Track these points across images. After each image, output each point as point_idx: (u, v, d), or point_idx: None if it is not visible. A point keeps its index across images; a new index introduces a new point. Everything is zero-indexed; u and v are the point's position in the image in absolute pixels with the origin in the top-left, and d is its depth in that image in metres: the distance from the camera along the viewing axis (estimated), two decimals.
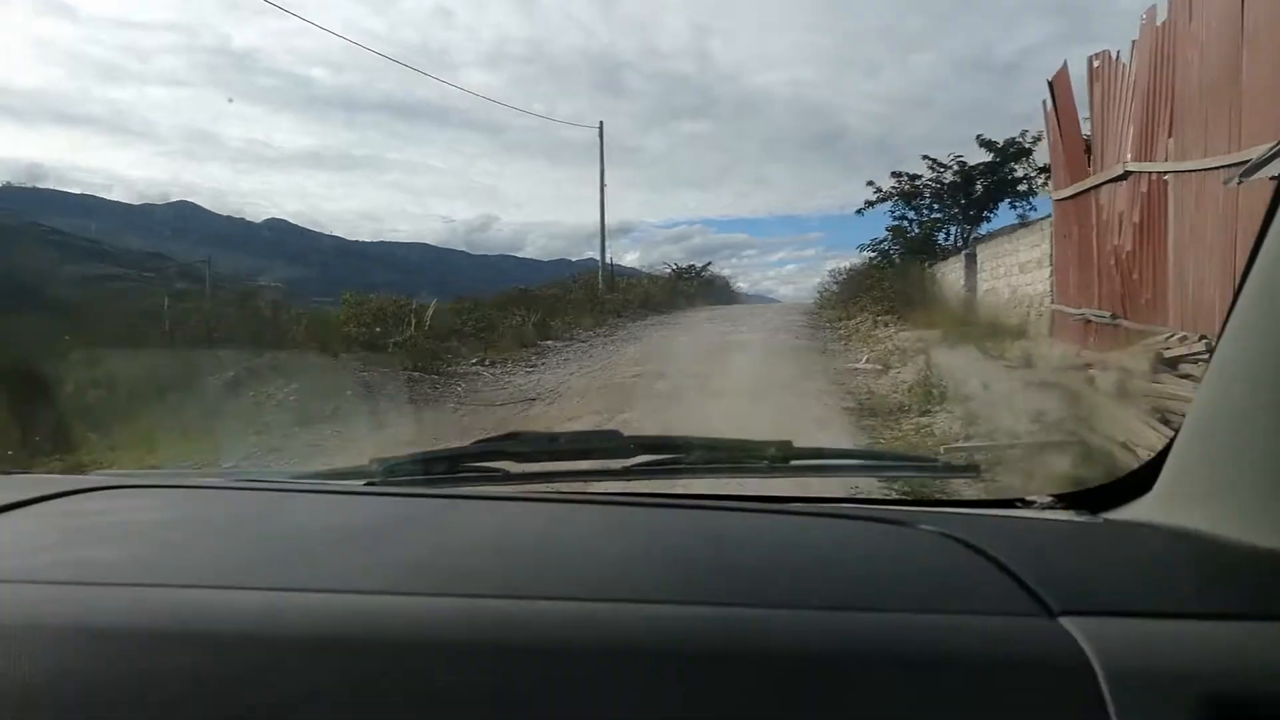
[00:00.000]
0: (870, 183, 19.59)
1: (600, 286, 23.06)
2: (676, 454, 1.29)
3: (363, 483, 1.21)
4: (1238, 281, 0.73)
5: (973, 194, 18.14)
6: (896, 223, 19.44)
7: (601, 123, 22.94)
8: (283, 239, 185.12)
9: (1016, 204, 17.78)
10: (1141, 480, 0.88)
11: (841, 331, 15.64)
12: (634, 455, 1.28)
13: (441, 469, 1.27)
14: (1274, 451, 0.68)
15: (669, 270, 31.27)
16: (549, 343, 15.16)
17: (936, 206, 19.17)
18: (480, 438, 1.43)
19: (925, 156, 19.01)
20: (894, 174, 19.36)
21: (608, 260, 24.64)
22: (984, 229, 18.61)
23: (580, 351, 14.20)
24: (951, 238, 18.72)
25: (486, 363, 12.70)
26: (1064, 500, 1.01)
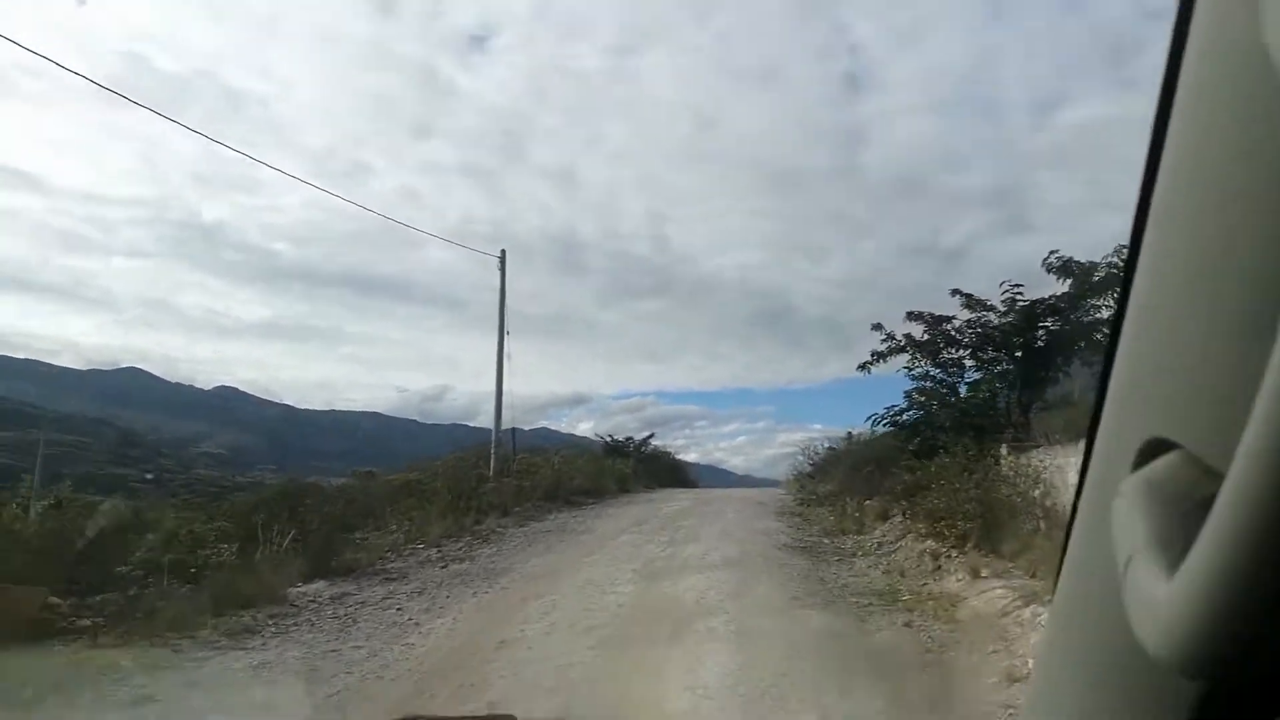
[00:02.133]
0: (878, 326, 13.11)
1: (494, 465, 15.82)
2: None
3: None
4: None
5: (1034, 343, 11.70)
6: (921, 384, 12.68)
7: (504, 251, 16.77)
8: (231, 406, 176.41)
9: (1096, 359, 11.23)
10: None
11: (864, 566, 8.52)
12: None
13: None
14: None
15: (603, 441, 24.32)
16: (299, 590, 7.64)
17: (974, 363, 12.64)
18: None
19: (958, 292, 12.68)
20: (912, 315, 12.96)
21: (517, 425, 17.53)
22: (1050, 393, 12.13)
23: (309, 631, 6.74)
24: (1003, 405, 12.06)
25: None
26: None
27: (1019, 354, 12.02)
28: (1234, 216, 0.42)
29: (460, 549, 10.24)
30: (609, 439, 24.50)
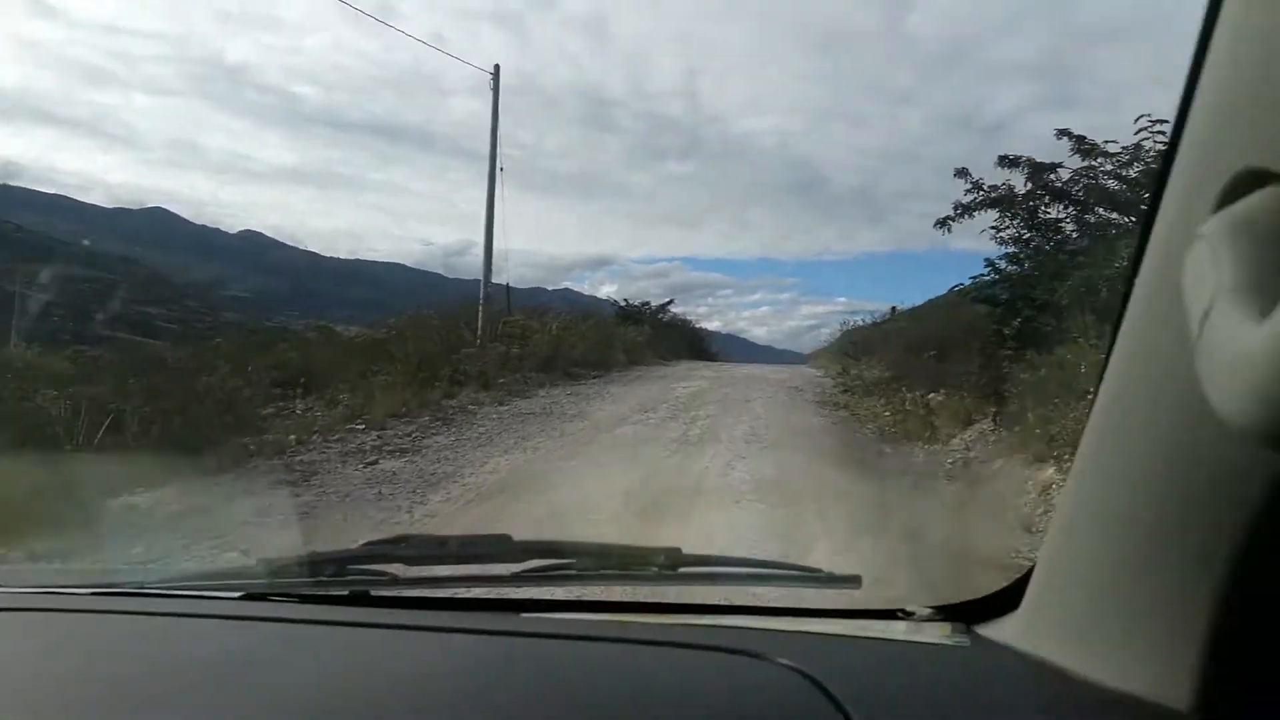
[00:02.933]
0: (963, 171, 9.84)
1: (480, 327, 13.25)
2: (565, 559, 1.24)
3: (238, 595, 1.16)
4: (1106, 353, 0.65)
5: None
6: (1014, 251, 9.56)
7: (497, 66, 13.35)
8: (257, 251, 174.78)
9: None
10: (1013, 595, 0.86)
11: (954, 496, 5.93)
12: (524, 560, 1.23)
13: (329, 571, 1.22)
14: (1125, 586, 0.64)
15: (615, 306, 21.66)
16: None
17: (1075, 227, 9.53)
18: (369, 539, 1.36)
19: (1065, 132, 9.37)
20: (1007, 160, 9.65)
21: (504, 282, 14.84)
22: None
23: None
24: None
25: None
26: (942, 612, 0.99)
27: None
28: None
29: (409, 435, 7.81)
30: (624, 303, 21.82)
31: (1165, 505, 0.58)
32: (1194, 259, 0.46)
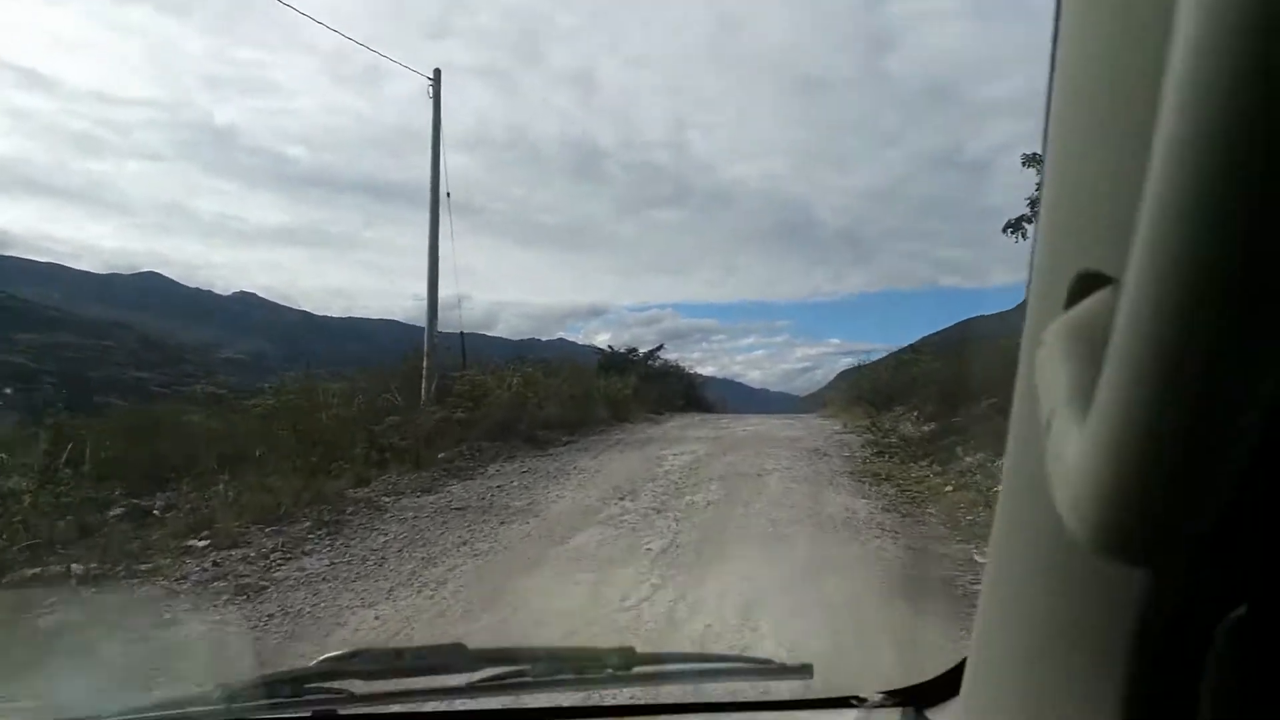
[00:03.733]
0: (1035, 157, 7.67)
1: (424, 386, 10.73)
2: (520, 666, 1.23)
3: None
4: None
5: None
6: None
7: (438, 71, 11.11)
8: (250, 312, 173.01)
9: None
10: (956, 678, 0.85)
11: None
12: (478, 668, 1.22)
13: (285, 693, 1.20)
14: (1043, 677, 0.60)
15: (599, 353, 19.27)
16: None
17: None
18: (325, 655, 1.25)
19: (1031, 158, 7.13)
20: (1028, 158, 7.43)
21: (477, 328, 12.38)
22: None
23: None
24: None
25: None
26: (894, 697, 1.01)
27: None
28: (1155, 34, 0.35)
29: (265, 556, 5.22)
30: (609, 349, 19.38)
31: (1059, 598, 0.55)
32: (1040, 365, 0.45)
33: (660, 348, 20.65)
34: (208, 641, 3.90)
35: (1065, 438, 0.38)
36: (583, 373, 15.55)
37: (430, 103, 11.26)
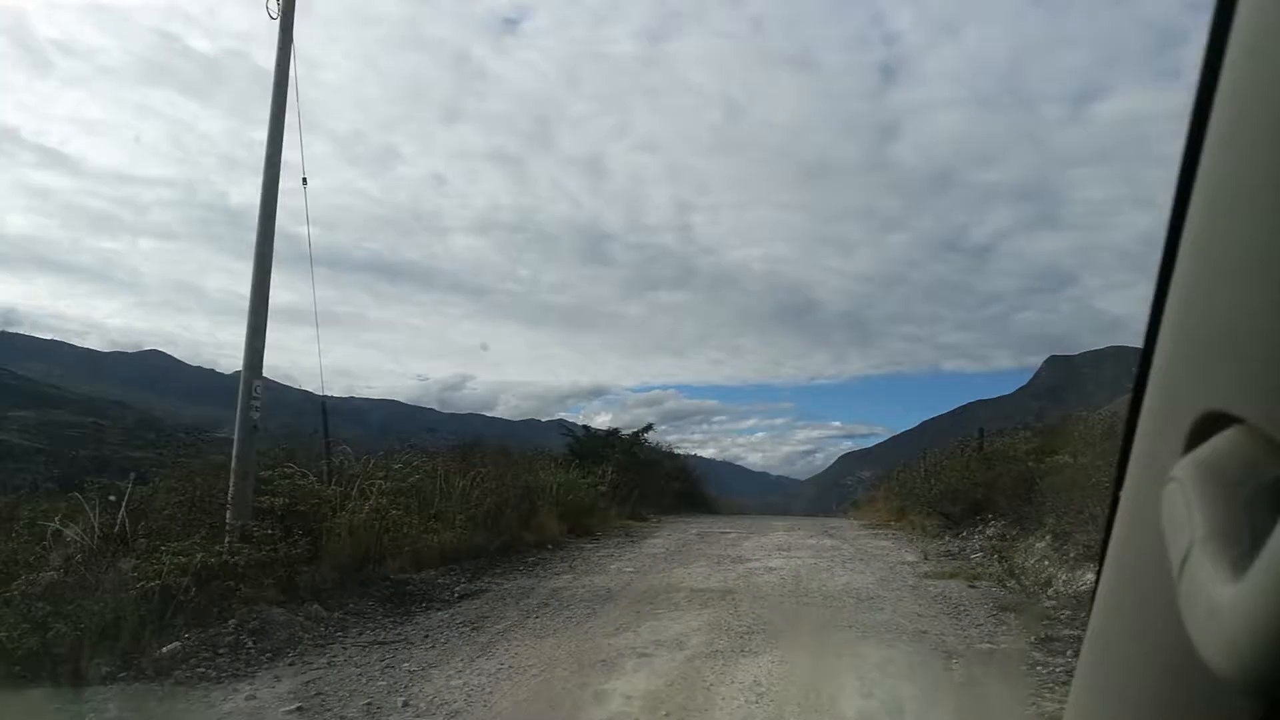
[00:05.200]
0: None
1: (233, 491, 6.08)
2: None
3: None
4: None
5: None
6: None
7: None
8: None
9: None
10: None
11: None
12: None
13: None
14: None
15: (569, 435, 14.65)
16: None
17: None
18: None
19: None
20: None
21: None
22: None
23: None
24: None
25: None
26: None
27: None
28: None
29: None
30: (581, 431, 14.75)
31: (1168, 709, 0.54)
32: (1168, 500, 0.46)
33: (649, 428, 16.06)
34: None
35: (1211, 579, 0.39)
36: (527, 457, 10.87)
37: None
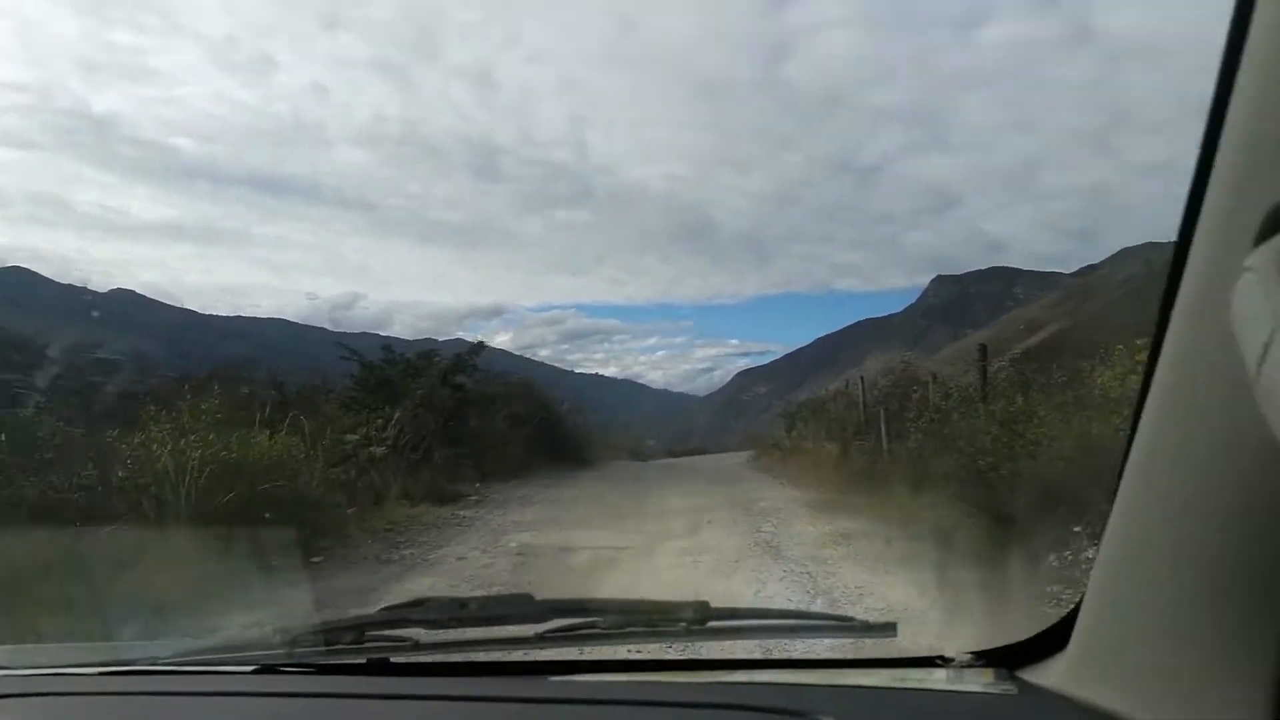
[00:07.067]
0: None
1: None
2: (590, 617, 1.17)
3: (253, 668, 1.10)
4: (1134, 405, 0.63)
5: None
6: None
7: None
8: (129, 311, 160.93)
9: None
10: (1057, 637, 0.82)
11: None
12: (547, 619, 1.16)
13: (347, 639, 1.15)
14: (1185, 623, 0.60)
15: (355, 359, 11.54)
16: None
17: None
18: (387, 604, 1.27)
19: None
20: None
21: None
22: None
23: None
24: None
25: None
26: (983, 657, 0.95)
27: None
28: None
29: None
30: (383, 354, 11.56)
31: (1226, 537, 0.54)
32: (1243, 291, 0.45)
33: (480, 347, 12.78)
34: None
35: None
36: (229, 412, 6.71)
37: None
